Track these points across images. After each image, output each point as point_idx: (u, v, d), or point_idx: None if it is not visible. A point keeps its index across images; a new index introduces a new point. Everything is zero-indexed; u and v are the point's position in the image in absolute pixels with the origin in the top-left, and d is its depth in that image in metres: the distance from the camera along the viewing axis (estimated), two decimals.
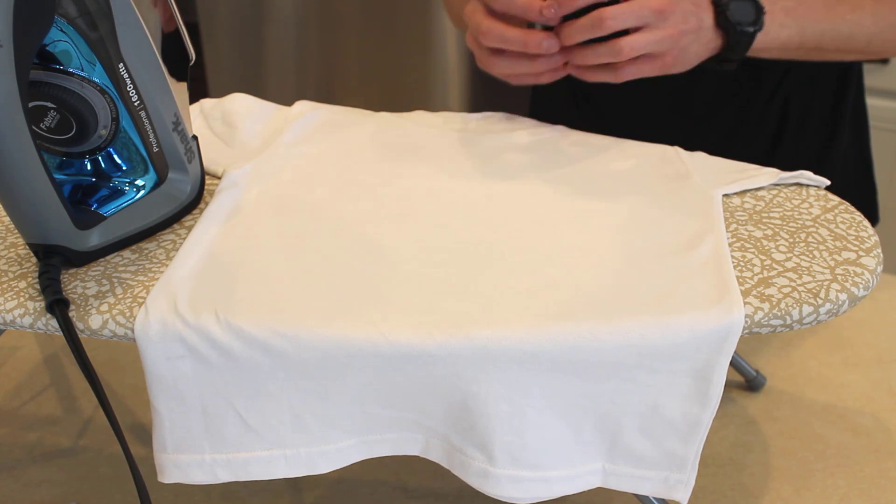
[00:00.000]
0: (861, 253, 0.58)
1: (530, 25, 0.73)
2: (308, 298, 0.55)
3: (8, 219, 0.63)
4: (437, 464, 0.57)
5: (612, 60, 0.68)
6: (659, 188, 0.66)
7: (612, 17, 0.67)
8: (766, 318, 0.53)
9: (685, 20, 0.69)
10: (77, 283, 0.57)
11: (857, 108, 0.95)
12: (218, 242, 0.61)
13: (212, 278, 0.57)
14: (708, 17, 0.71)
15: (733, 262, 0.57)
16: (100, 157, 0.61)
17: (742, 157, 0.70)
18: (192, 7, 1.82)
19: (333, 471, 0.56)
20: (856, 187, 0.98)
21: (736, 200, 0.64)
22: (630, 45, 0.68)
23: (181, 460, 0.56)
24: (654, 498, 0.59)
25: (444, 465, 0.56)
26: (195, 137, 0.66)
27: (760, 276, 0.56)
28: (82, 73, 0.57)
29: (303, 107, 0.80)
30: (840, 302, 0.54)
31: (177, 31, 0.61)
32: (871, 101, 0.96)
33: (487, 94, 1.72)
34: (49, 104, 0.56)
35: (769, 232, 0.60)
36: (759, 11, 0.71)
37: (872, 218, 0.98)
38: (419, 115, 0.79)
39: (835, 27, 0.74)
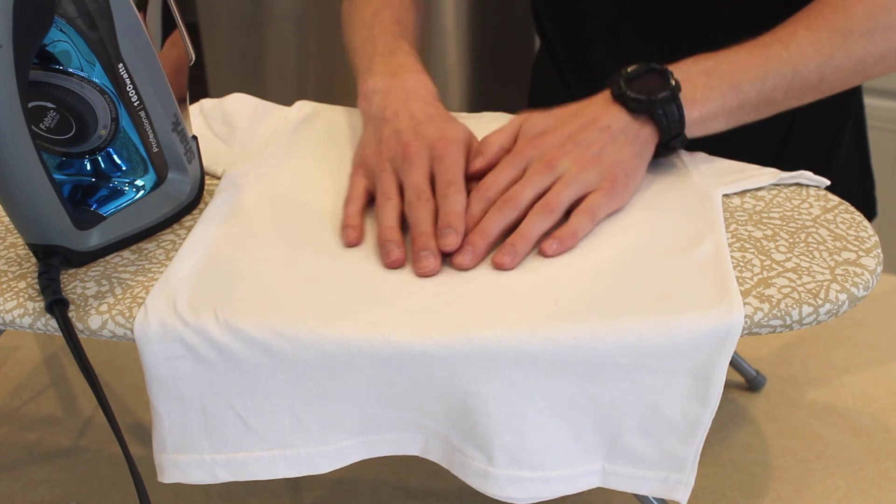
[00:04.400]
0: (861, 253, 0.58)
1: None
2: (307, 299, 0.55)
3: (7, 219, 0.63)
4: (437, 464, 0.57)
5: (549, 220, 0.59)
6: (658, 188, 0.66)
7: (519, 193, 0.60)
8: (766, 319, 0.53)
9: (587, 140, 0.62)
10: (77, 284, 0.57)
11: (857, 102, 0.94)
12: (217, 243, 0.61)
13: (211, 278, 0.57)
14: (614, 116, 0.64)
15: (733, 263, 0.57)
16: (99, 158, 0.61)
17: (750, 159, 0.70)
18: (192, 7, 1.82)
19: (333, 471, 0.56)
20: (858, 183, 0.98)
21: (736, 200, 0.64)
22: (549, 200, 0.60)
23: (181, 460, 0.56)
24: (654, 498, 0.59)
25: (444, 465, 0.56)
26: (195, 137, 0.65)
27: (760, 276, 0.56)
28: (82, 74, 0.57)
29: (303, 107, 0.80)
30: (840, 302, 0.54)
31: (177, 32, 0.61)
32: (871, 101, 0.96)
33: (487, 94, 1.72)
34: (49, 104, 0.56)
35: (769, 232, 0.60)
36: (666, 75, 0.64)
37: (871, 211, 0.98)
38: None
39: (774, 71, 0.65)
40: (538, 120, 0.66)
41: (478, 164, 0.64)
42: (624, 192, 0.62)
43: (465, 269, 0.57)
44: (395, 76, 0.72)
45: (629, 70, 0.65)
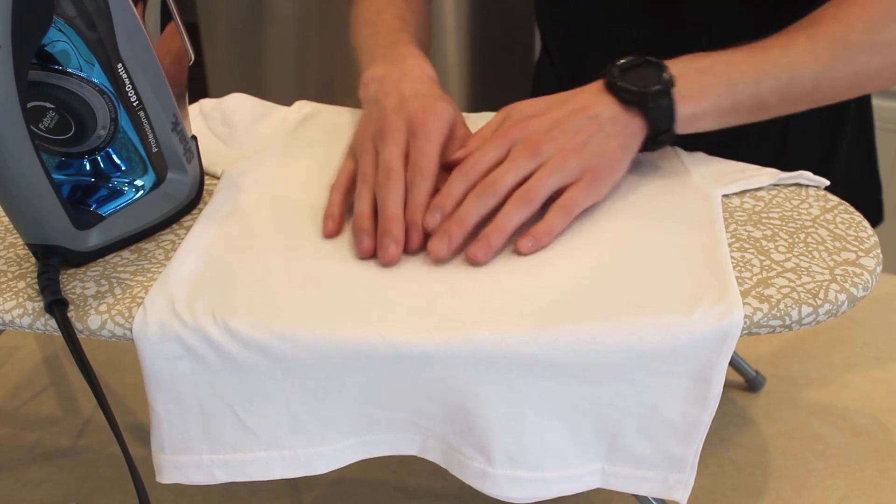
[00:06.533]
0: (860, 253, 0.58)
1: None
2: (306, 299, 0.55)
3: (7, 219, 0.63)
4: (436, 464, 0.57)
5: (527, 211, 0.59)
6: (658, 188, 0.66)
7: (500, 178, 0.59)
8: (766, 319, 0.53)
9: (573, 128, 0.61)
10: (76, 284, 0.57)
11: (860, 106, 0.94)
12: (216, 243, 0.61)
13: (210, 279, 0.57)
14: (605, 105, 0.63)
15: (732, 263, 0.57)
16: (99, 158, 0.61)
17: (748, 161, 0.69)
18: (192, 7, 1.82)
19: (333, 471, 0.56)
20: (861, 187, 0.97)
21: (735, 201, 0.64)
22: (529, 189, 0.59)
23: (179, 461, 0.56)
24: (654, 498, 0.59)
25: (443, 465, 0.56)
26: (194, 137, 0.66)
27: (759, 276, 0.56)
28: (81, 74, 0.57)
29: (302, 107, 0.80)
30: (839, 302, 0.54)
31: (176, 31, 0.61)
32: (873, 101, 0.96)
33: (487, 94, 1.72)
34: (48, 104, 0.56)
35: (768, 232, 0.60)
36: (661, 68, 0.63)
37: (877, 216, 0.98)
38: None
39: (770, 74, 0.64)
40: (527, 105, 0.65)
41: (458, 155, 0.63)
42: (604, 186, 0.62)
43: (441, 258, 0.56)
44: (394, 63, 0.71)
45: (624, 61, 0.64)
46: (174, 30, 0.61)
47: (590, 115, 0.62)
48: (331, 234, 0.61)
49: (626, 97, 0.63)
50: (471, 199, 0.58)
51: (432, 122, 0.63)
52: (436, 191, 0.61)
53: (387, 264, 0.57)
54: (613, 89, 0.63)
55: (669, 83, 0.63)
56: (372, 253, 0.58)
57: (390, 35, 0.76)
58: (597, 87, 0.65)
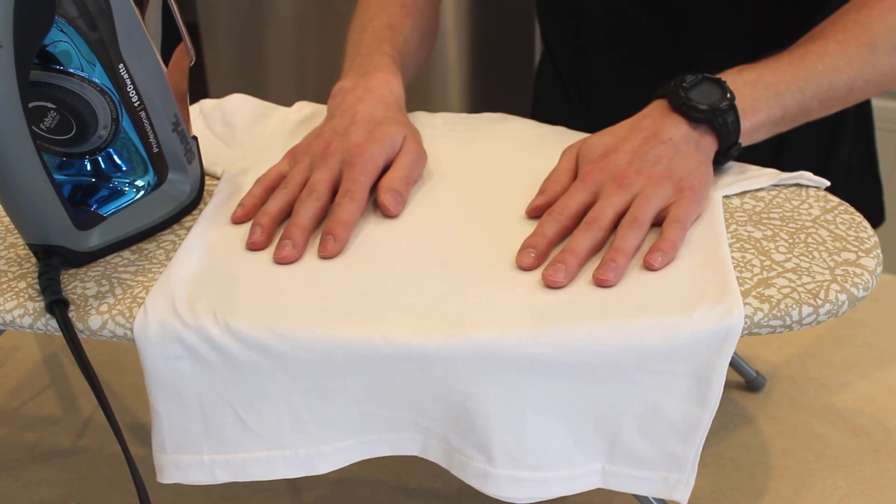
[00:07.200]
0: (861, 254, 0.58)
1: None
2: (306, 299, 0.55)
3: (8, 219, 0.63)
4: (437, 464, 0.57)
5: (639, 233, 0.59)
6: None
7: (600, 213, 0.59)
8: (766, 319, 0.53)
9: (653, 156, 0.62)
10: (77, 284, 0.57)
11: (860, 107, 0.94)
12: (217, 243, 0.61)
13: (210, 279, 0.57)
14: (674, 126, 0.64)
15: (733, 263, 0.57)
16: (100, 158, 0.61)
17: (747, 162, 0.70)
18: (192, 7, 1.82)
19: (333, 471, 0.56)
20: (861, 188, 0.97)
21: (736, 201, 0.64)
22: (637, 215, 0.59)
23: (180, 461, 0.56)
24: (654, 498, 0.59)
25: (443, 465, 0.56)
26: (195, 138, 0.66)
27: (760, 276, 0.56)
28: (82, 74, 0.57)
29: (303, 107, 0.80)
30: (839, 302, 0.54)
31: (177, 32, 0.61)
32: (874, 102, 0.96)
33: (487, 95, 1.72)
34: (49, 104, 0.56)
35: (769, 233, 0.60)
36: (723, 85, 0.64)
37: (878, 217, 0.98)
38: (419, 116, 0.79)
39: (812, 82, 0.66)
40: (596, 141, 0.65)
41: (538, 202, 0.63)
42: (702, 199, 0.62)
43: (559, 287, 0.55)
44: (364, 75, 0.73)
45: (686, 80, 0.65)
46: (175, 31, 0.61)
47: (662, 139, 0.63)
48: (238, 220, 0.63)
49: (697, 116, 0.63)
50: (578, 234, 0.59)
51: (370, 152, 0.65)
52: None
53: (279, 262, 0.58)
54: (682, 109, 0.64)
55: (733, 98, 0.63)
56: (259, 247, 0.60)
57: (373, 44, 0.78)
58: (660, 108, 0.65)
